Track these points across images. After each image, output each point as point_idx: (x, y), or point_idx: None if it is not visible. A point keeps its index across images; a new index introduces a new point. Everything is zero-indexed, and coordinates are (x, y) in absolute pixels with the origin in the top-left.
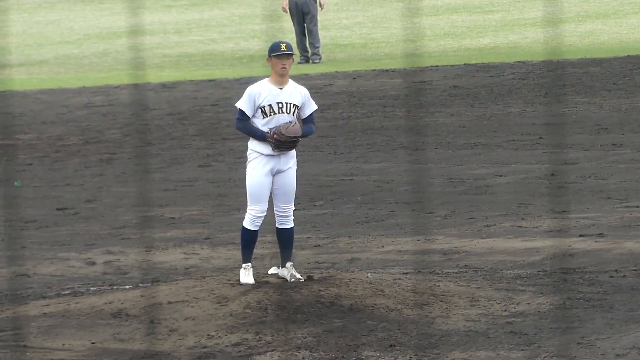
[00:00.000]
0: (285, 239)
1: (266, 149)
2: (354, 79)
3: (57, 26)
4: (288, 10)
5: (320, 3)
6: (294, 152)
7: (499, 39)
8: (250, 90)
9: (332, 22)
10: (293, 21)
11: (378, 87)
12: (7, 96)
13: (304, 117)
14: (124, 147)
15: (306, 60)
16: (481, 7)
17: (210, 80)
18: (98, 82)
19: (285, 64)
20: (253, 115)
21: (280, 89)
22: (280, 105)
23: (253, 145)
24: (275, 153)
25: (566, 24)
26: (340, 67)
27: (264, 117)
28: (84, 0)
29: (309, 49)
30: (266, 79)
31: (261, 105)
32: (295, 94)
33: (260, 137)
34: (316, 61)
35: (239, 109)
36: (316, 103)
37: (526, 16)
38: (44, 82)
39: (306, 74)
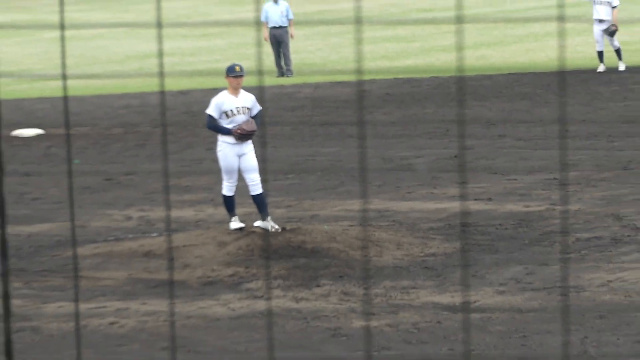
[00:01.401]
0: (259, 201)
1: (232, 139)
2: (316, 88)
3: (105, 50)
4: (268, 39)
5: (291, 34)
6: (251, 140)
7: (419, 60)
8: (216, 100)
9: (300, 48)
10: (272, 47)
11: (333, 94)
12: (68, 100)
13: (252, 115)
14: (153, 136)
15: (282, 74)
16: (406, 38)
17: (214, 89)
18: (134, 90)
19: (238, 81)
20: (219, 118)
21: (236, 97)
22: (237, 109)
23: (222, 138)
24: (239, 142)
25: (467, 50)
26: (306, 80)
27: (227, 118)
28: (125, 31)
29: (283, 67)
30: (225, 91)
31: (224, 110)
32: (247, 99)
33: (227, 132)
34: (289, 75)
35: (208, 114)
36: (288, 106)
37: (439, 44)
38: (95, 90)
39: (282, 85)
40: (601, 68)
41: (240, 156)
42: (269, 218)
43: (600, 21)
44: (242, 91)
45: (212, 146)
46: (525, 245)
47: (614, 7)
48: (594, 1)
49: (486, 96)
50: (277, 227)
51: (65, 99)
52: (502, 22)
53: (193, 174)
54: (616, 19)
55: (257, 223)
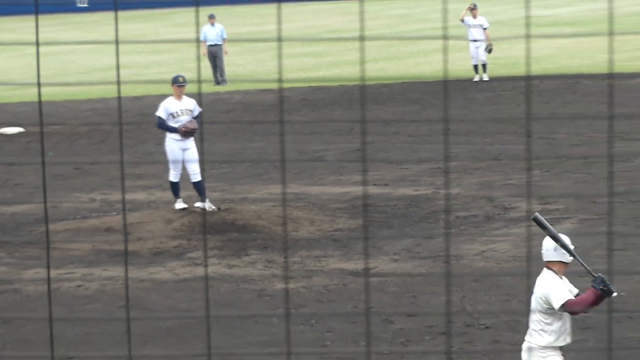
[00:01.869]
0: (198, 187)
1: (177, 136)
2: (245, 94)
3: (75, 63)
4: (207, 55)
5: (225, 51)
6: (192, 136)
7: (329, 72)
8: (164, 104)
9: (233, 62)
10: (210, 61)
11: (259, 99)
12: (43, 104)
13: (194, 116)
14: (112, 133)
15: (217, 83)
16: (319, 53)
17: (163, 95)
18: (98, 96)
19: (181, 89)
20: (167, 118)
21: (180, 101)
22: (181, 111)
23: (169, 135)
24: (183, 138)
25: (368, 64)
26: (237, 88)
27: (173, 119)
28: (91, 47)
29: (219, 77)
30: (171, 97)
31: (171, 112)
32: (189, 103)
33: (173, 130)
34: (223, 84)
35: (158, 116)
36: (223, 109)
37: (346, 59)
38: (66, 96)
39: (217, 92)
40: (476, 78)
41: (184, 150)
42: (206, 200)
43: (474, 40)
44: (185, 97)
45: (160, 141)
46: (414, 221)
47: (485, 29)
48: (469, 25)
49: (383, 101)
50: (213, 207)
51: (40, 103)
52: (397, 40)
53: (145, 164)
54: (489, 37)
55: (197, 204)
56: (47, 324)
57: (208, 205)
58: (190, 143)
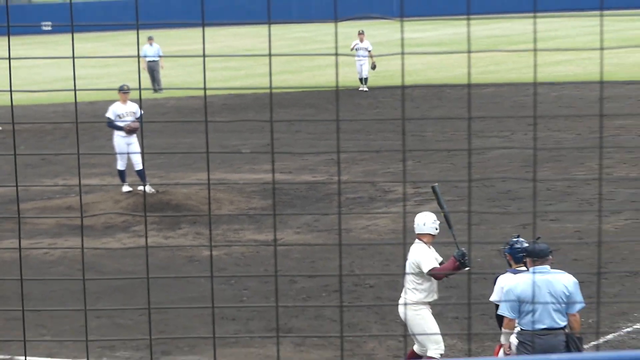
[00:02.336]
0: (140, 174)
1: (123, 133)
2: (178, 100)
3: (41, 75)
4: (146, 69)
5: (162, 65)
6: (135, 133)
7: (244, 83)
8: (112, 107)
9: (167, 74)
10: (148, 74)
11: (188, 104)
12: (16, 108)
13: (136, 117)
14: (71, 131)
15: (155, 91)
16: (236, 67)
17: (111, 100)
18: (60, 101)
19: (126, 95)
20: (115, 119)
21: (125, 105)
22: (126, 113)
23: (117, 132)
24: (127, 135)
25: (275, 76)
26: (171, 95)
27: (120, 119)
28: (55, 62)
29: (156, 86)
30: (118, 102)
31: (118, 114)
32: (132, 107)
33: (120, 128)
34: (160, 92)
35: (108, 117)
36: (160, 112)
37: (257, 72)
38: (34, 101)
39: (155, 98)
40: (361, 88)
41: (128, 144)
42: (147, 184)
43: (360, 59)
44: (129, 101)
45: (110, 137)
46: (313, 202)
47: (369, 51)
48: (357, 48)
49: (287, 105)
50: (153, 190)
51: (12, 106)
52: (297, 56)
53: (97, 155)
54: (372, 57)
55: (140, 188)
56: (19, 283)
57: (148, 189)
58: (134, 139)
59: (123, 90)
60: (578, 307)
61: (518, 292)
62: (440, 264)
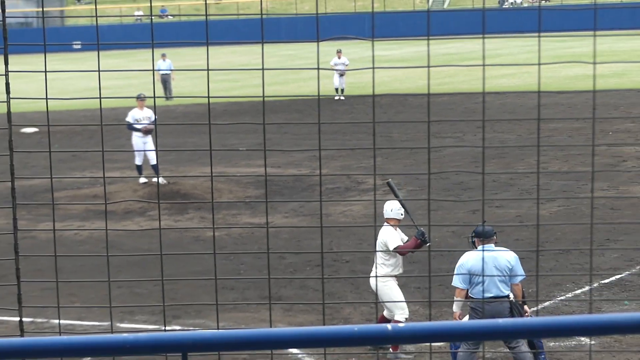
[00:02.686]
0: (155, 167)
1: (140, 134)
2: (186, 107)
3: (72, 86)
4: (160, 81)
5: (173, 77)
6: (150, 134)
7: (241, 92)
8: (131, 113)
9: (178, 85)
10: (162, 85)
11: (194, 110)
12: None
13: (151, 121)
14: (97, 132)
15: (167, 99)
16: (235, 79)
17: (131, 106)
18: (87, 107)
19: (143, 102)
20: (133, 122)
21: (142, 111)
22: (143, 117)
23: (135, 133)
24: (144, 135)
25: (267, 86)
26: (180, 102)
27: (138, 122)
28: (83, 74)
29: (168, 95)
30: (136, 108)
31: (136, 118)
32: (148, 112)
33: (137, 130)
34: (171, 100)
35: (127, 120)
36: (170, 116)
37: (252, 83)
38: (67, 107)
39: (167, 105)
40: (338, 97)
41: (144, 143)
42: (160, 176)
43: (339, 73)
44: (145, 108)
45: (129, 138)
46: (298, 191)
47: (346, 65)
48: (336, 63)
49: (277, 111)
50: (165, 181)
51: (47, 111)
52: (286, 70)
53: (119, 153)
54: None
55: (154, 179)
56: (53, 259)
57: (161, 180)
58: (149, 139)
59: (140, 98)
60: (519, 278)
61: (469, 267)
62: (404, 243)
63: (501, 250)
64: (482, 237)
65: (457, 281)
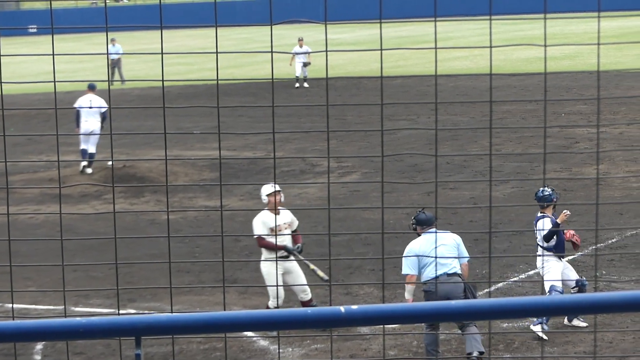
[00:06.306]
0: (91, 156)
1: (89, 119)
2: (141, 90)
3: (27, 70)
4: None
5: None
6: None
7: (196, 75)
8: (79, 99)
9: (133, 68)
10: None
11: (149, 93)
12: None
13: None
14: (52, 116)
15: (122, 83)
16: (190, 62)
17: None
18: (42, 91)
19: (94, 91)
20: (83, 108)
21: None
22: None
23: (83, 119)
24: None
25: (221, 70)
26: (135, 85)
27: (89, 109)
28: (38, 58)
29: (120, 80)
30: (86, 95)
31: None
32: (98, 100)
33: (78, 125)
34: (123, 84)
35: (75, 107)
36: (125, 99)
37: (207, 66)
38: (21, 91)
39: (122, 88)
40: (298, 85)
41: (92, 131)
42: (112, 160)
43: (302, 62)
44: (96, 96)
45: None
46: (254, 174)
47: (308, 54)
48: (297, 52)
49: (232, 94)
50: (121, 165)
51: (1, 95)
52: (240, 54)
53: (75, 136)
54: (310, 57)
55: (109, 163)
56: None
57: (88, 170)
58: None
59: (91, 86)
60: (466, 259)
61: (417, 250)
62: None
63: (444, 232)
64: (424, 224)
65: (406, 268)
